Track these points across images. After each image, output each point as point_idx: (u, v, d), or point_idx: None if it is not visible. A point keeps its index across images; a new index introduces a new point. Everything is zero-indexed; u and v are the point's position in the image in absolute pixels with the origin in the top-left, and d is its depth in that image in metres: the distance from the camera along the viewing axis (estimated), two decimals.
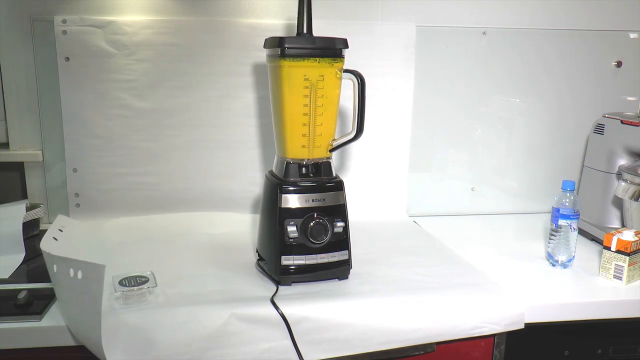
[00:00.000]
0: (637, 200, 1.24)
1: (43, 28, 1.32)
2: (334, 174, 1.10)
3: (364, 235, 1.29)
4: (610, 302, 1.07)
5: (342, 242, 1.07)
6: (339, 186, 1.08)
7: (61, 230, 1.21)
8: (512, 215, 1.60)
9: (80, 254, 0.91)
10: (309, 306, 0.95)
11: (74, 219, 1.37)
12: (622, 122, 1.35)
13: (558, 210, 1.17)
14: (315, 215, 1.04)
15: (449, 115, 1.53)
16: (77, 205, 1.39)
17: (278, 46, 1.01)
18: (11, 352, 0.90)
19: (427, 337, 0.98)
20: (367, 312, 0.96)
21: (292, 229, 1.03)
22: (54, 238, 1.09)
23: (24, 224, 1.23)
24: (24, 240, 1.20)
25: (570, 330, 1.08)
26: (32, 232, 1.31)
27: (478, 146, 1.57)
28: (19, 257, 1.17)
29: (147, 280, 0.96)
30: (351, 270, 1.09)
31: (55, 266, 0.91)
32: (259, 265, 1.13)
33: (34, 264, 1.17)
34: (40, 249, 1.21)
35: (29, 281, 1.07)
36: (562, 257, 1.19)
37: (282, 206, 1.03)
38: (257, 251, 1.15)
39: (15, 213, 1.23)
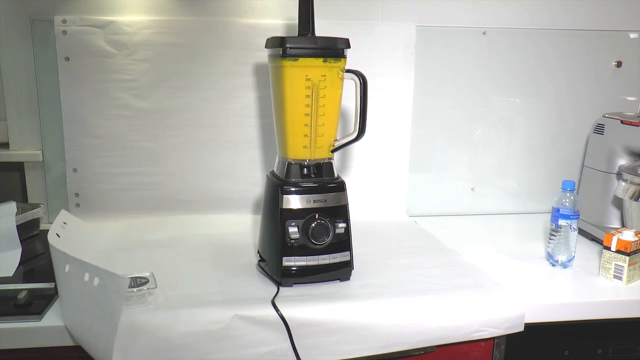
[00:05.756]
0: (637, 200, 1.24)
1: (43, 28, 1.32)
2: (336, 175, 1.09)
3: (364, 235, 1.28)
4: (610, 302, 1.07)
5: (343, 243, 1.07)
6: (340, 187, 1.07)
7: (64, 225, 1.20)
8: (512, 215, 1.60)
9: (80, 254, 0.90)
10: (310, 308, 0.95)
11: None
12: (622, 122, 1.35)
13: (558, 210, 1.17)
14: (316, 216, 1.04)
15: (449, 115, 1.53)
16: (77, 205, 1.38)
17: (280, 46, 1.01)
18: (11, 352, 0.90)
19: (428, 340, 0.98)
20: (368, 314, 0.96)
21: (293, 230, 1.02)
22: (56, 234, 1.08)
23: (23, 224, 1.22)
24: (24, 240, 1.20)
25: (570, 330, 1.08)
26: (31, 232, 1.30)
27: (478, 146, 1.57)
28: (16, 252, 1.16)
29: (146, 282, 0.96)
30: (352, 272, 1.09)
31: (67, 266, 0.90)
32: (259, 266, 1.12)
33: (34, 264, 1.17)
34: (39, 250, 1.22)
35: (29, 281, 1.06)
36: (562, 257, 1.19)
37: (284, 207, 1.03)
38: (258, 252, 1.15)
39: (7, 211, 1.22)
